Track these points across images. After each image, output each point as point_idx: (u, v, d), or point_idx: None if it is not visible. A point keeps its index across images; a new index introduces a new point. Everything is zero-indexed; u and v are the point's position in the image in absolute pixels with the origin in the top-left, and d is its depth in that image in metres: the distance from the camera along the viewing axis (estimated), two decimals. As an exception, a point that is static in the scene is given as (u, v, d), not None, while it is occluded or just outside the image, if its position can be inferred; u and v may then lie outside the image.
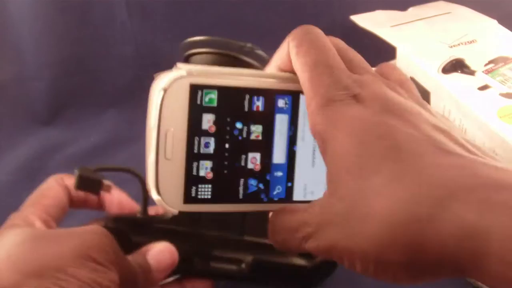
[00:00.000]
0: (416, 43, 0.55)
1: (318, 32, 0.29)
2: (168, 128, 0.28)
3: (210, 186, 0.29)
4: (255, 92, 0.30)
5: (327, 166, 0.25)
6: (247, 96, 0.29)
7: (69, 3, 0.68)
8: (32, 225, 0.32)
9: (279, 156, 0.30)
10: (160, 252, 0.32)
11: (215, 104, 0.29)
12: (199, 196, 0.29)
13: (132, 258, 0.32)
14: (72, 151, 0.64)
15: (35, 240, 0.28)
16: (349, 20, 0.63)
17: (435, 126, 0.25)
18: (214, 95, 0.29)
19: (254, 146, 0.30)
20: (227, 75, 0.29)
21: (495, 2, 0.67)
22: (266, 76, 0.30)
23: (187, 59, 0.41)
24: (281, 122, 0.30)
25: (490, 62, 0.51)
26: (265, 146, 0.30)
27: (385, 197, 0.22)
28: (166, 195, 0.28)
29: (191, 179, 0.29)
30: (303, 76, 0.27)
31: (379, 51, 0.62)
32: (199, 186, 0.29)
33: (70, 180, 0.36)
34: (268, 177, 0.30)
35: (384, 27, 0.59)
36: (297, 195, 0.31)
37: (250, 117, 0.30)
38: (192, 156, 0.29)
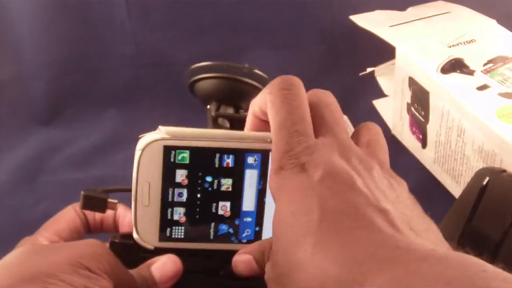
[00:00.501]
0: (415, 43, 0.55)
1: (295, 86, 0.31)
2: (145, 181, 0.34)
3: (183, 228, 0.34)
4: (225, 151, 0.34)
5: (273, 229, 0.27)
6: (217, 155, 0.34)
7: (68, 2, 0.68)
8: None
9: (248, 204, 0.35)
10: (164, 263, 0.34)
11: (187, 161, 0.34)
12: (173, 236, 0.34)
13: (136, 271, 0.33)
14: (72, 151, 0.65)
15: (32, 251, 0.30)
16: (349, 20, 0.63)
17: (371, 202, 0.25)
18: (186, 154, 0.34)
19: (225, 196, 0.35)
20: (200, 138, 0.34)
21: (494, 2, 0.67)
22: (238, 137, 0.34)
23: (192, 86, 0.44)
24: (250, 176, 0.35)
25: (489, 61, 0.51)
26: (235, 196, 0.35)
27: (305, 272, 0.24)
28: (143, 234, 0.34)
29: (166, 222, 0.34)
30: (272, 136, 0.29)
31: (378, 51, 0.62)
32: (173, 228, 0.34)
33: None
34: (237, 222, 0.35)
35: (383, 27, 0.59)
36: (265, 237, 0.35)
37: (221, 172, 0.34)
38: (167, 204, 0.34)
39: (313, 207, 0.25)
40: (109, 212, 0.38)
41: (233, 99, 0.39)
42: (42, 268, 0.27)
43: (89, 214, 0.38)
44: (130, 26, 0.69)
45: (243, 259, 0.32)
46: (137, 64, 0.71)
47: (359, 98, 0.68)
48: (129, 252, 0.34)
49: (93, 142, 0.66)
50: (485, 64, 0.51)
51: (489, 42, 0.54)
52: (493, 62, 0.51)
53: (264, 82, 0.47)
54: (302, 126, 0.29)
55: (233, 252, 0.34)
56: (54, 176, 0.60)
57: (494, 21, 0.58)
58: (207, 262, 0.36)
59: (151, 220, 0.34)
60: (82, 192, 0.36)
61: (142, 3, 0.68)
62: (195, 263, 0.35)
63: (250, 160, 0.35)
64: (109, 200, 0.36)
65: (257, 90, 0.38)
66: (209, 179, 0.35)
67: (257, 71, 0.45)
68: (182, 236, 0.35)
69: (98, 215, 0.38)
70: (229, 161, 0.35)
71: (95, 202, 0.36)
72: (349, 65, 0.70)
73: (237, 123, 0.39)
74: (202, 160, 0.34)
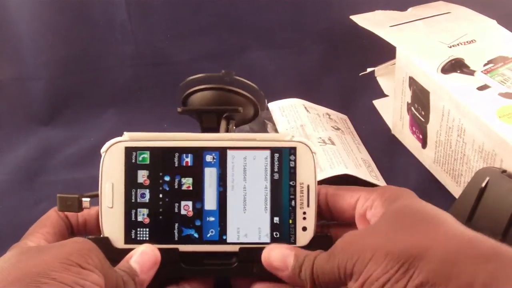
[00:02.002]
0: (416, 43, 0.55)
1: None
2: (108, 182, 0.35)
3: (147, 229, 0.35)
4: (183, 150, 0.36)
5: None
6: (177, 154, 0.35)
7: (68, 2, 0.68)
8: None
9: (210, 203, 0.36)
10: (141, 254, 0.34)
11: (148, 162, 0.35)
12: (138, 238, 0.35)
13: (118, 267, 0.33)
14: (72, 151, 0.64)
15: (21, 253, 0.30)
16: (349, 20, 0.63)
17: None
18: (146, 155, 0.36)
19: (186, 195, 0.36)
20: (159, 139, 0.36)
21: (494, 2, 0.67)
22: (195, 138, 0.36)
23: (184, 101, 0.46)
24: (210, 174, 0.36)
25: (489, 62, 0.51)
26: (196, 195, 0.36)
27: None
28: (110, 235, 0.35)
29: (130, 224, 0.35)
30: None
31: (378, 51, 0.62)
32: (138, 229, 0.35)
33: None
34: (200, 222, 0.36)
35: (384, 27, 0.59)
36: (230, 237, 0.36)
37: (180, 171, 0.36)
38: (130, 205, 0.35)
39: None
40: (93, 215, 0.38)
41: (211, 118, 0.41)
42: (33, 268, 0.28)
43: (72, 216, 0.38)
44: (130, 26, 0.69)
45: (283, 251, 0.34)
46: (137, 64, 0.71)
47: (359, 98, 0.68)
48: (107, 246, 0.35)
49: (93, 142, 0.66)
50: (485, 64, 0.51)
51: (489, 43, 0.54)
52: (494, 62, 0.51)
53: (245, 87, 0.50)
54: None
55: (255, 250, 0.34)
56: (54, 176, 0.60)
57: (494, 22, 0.58)
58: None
59: (115, 222, 0.35)
60: (57, 195, 0.37)
61: (142, 3, 0.68)
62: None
63: (209, 158, 0.36)
64: (83, 199, 0.36)
65: (241, 96, 0.39)
66: (170, 178, 0.36)
67: (237, 77, 0.47)
68: (147, 238, 0.35)
69: (81, 218, 0.38)
70: (188, 160, 0.36)
71: (69, 202, 0.36)
72: (349, 65, 0.70)
73: (206, 117, 0.40)
74: (162, 160, 0.36)
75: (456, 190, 0.52)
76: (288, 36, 0.71)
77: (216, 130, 0.40)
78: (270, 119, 0.60)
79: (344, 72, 0.71)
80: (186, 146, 0.36)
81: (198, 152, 0.36)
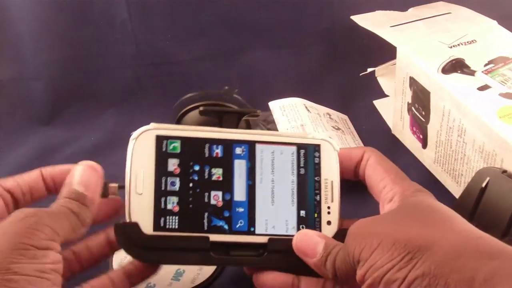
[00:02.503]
0: (416, 43, 0.55)
1: None
2: (138, 169, 0.35)
3: (177, 217, 0.35)
4: (213, 141, 0.36)
5: None
6: (207, 145, 0.36)
7: (68, 3, 0.68)
8: None
9: (239, 194, 0.36)
10: (82, 174, 0.33)
11: (178, 150, 0.35)
12: (167, 226, 0.34)
13: (63, 196, 0.32)
14: (72, 151, 0.64)
15: None
16: (349, 20, 0.63)
17: None
18: (177, 144, 0.35)
19: (216, 185, 0.36)
20: (189, 129, 0.36)
21: (494, 3, 0.67)
22: (226, 131, 0.37)
23: (179, 120, 0.47)
24: (239, 166, 0.36)
25: (490, 62, 0.51)
26: (226, 185, 0.36)
27: None
28: (139, 221, 0.34)
29: (159, 211, 0.34)
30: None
31: (379, 51, 0.62)
32: (167, 217, 0.35)
33: (7, 183, 0.35)
34: (230, 212, 0.36)
35: (384, 27, 0.59)
36: (259, 229, 0.36)
37: (211, 162, 0.36)
38: (160, 192, 0.35)
39: None
40: (34, 176, 0.35)
41: (231, 119, 0.41)
42: None
43: (16, 189, 0.34)
44: (131, 26, 0.69)
45: (315, 238, 0.34)
46: (137, 64, 0.71)
47: (359, 98, 0.68)
48: (134, 233, 0.34)
49: (93, 142, 0.66)
50: (486, 65, 0.51)
51: (490, 43, 0.54)
52: (494, 63, 0.51)
53: (241, 105, 0.51)
54: None
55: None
56: (54, 176, 0.60)
57: (495, 22, 0.58)
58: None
59: (145, 209, 0.34)
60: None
61: (142, 3, 0.68)
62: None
63: (238, 150, 0.36)
64: (110, 184, 0.36)
65: (237, 114, 0.41)
66: (200, 168, 0.36)
67: (236, 95, 0.48)
68: (177, 226, 0.35)
69: (25, 187, 0.35)
70: (218, 151, 0.36)
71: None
72: (349, 65, 0.70)
73: (226, 118, 0.40)
74: (193, 149, 0.36)
75: (456, 190, 0.52)
76: (288, 36, 0.71)
77: None
78: (267, 121, 0.60)
79: (345, 72, 0.71)
80: (216, 137, 0.36)
81: (228, 144, 0.36)
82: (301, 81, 0.71)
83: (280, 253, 0.36)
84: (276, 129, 0.58)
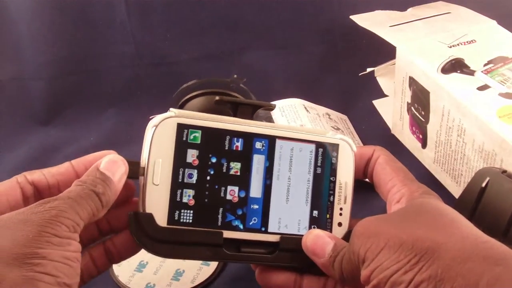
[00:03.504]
0: (416, 43, 0.55)
1: None
2: (156, 159, 0.33)
3: (191, 211, 0.34)
4: (234, 134, 0.35)
5: None
6: (228, 137, 0.35)
7: (68, 2, 0.68)
8: None
9: (255, 190, 0.35)
10: (110, 162, 0.33)
11: (198, 141, 0.34)
12: (181, 219, 0.33)
13: (88, 174, 0.32)
14: (72, 151, 0.64)
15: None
16: (349, 20, 0.63)
17: None
18: (198, 134, 0.34)
19: (233, 180, 0.35)
20: (211, 119, 0.35)
21: (494, 3, 0.67)
22: (244, 123, 0.36)
23: (182, 106, 0.46)
24: (258, 161, 0.36)
25: (489, 62, 0.51)
26: (243, 181, 0.35)
27: None
28: (154, 213, 0.33)
29: (175, 204, 0.33)
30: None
31: (378, 51, 0.62)
32: (182, 211, 0.34)
33: (33, 175, 0.34)
34: (245, 209, 0.35)
35: (384, 27, 0.59)
36: (272, 227, 0.36)
37: (230, 155, 0.35)
38: (177, 184, 0.34)
39: None
40: (65, 169, 0.35)
41: (246, 110, 0.40)
42: (18, 248, 0.26)
43: (39, 181, 0.34)
44: (130, 26, 0.69)
45: (324, 239, 0.34)
46: (137, 64, 0.71)
47: (359, 98, 0.68)
48: (148, 224, 0.33)
49: (93, 142, 0.66)
50: (485, 65, 0.51)
51: (489, 43, 0.54)
52: (494, 63, 0.51)
53: (246, 95, 0.50)
54: None
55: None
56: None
57: (494, 22, 0.58)
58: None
59: (160, 200, 0.33)
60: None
61: (142, 3, 0.68)
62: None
63: (258, 145, 0.36)
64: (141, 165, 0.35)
65: (253, 106, 0.39)
66: (219, 161, 0.35)
67: (242, 85, 0.47)
68: (191, 220, 0.34)
69: (52, 179, 0.34)
70: (238, 144, 0.35)
71: (130, 166, 0.34)
72: (349, 65, 0.70)
73: (241, 110, 0.39)
74: (213, 141, 0.35)
75: (456, 190, 0.52)
76: (288, 36, 0.71)
77: None
78: (270, 120, 0.60)
79: (344, 72, 0.71)
80: (238, 130, 0.35)
81: (249, 138, 0.35)
82: (300, 81, 0.71)
83: (290, 252, 0.36)
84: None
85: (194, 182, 0.34)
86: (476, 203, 0.40)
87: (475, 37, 0.55)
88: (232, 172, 0.35)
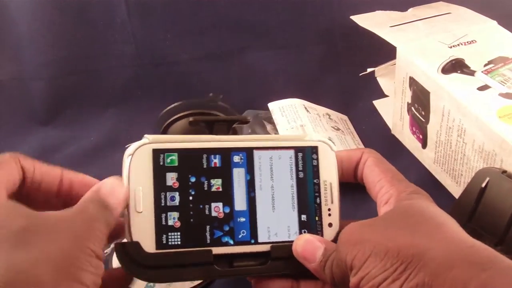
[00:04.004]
0: (416, 43, 0.55)
1: None
2: (136, 187, 0.33)
3: (178, 233, 0.34)
4: (211, 151, 0.35)
5: None
6: (205, 155, 0.35)
7: (68, 3, 0.68)
8: None
9: (240, 203, 0.35)
10: (111, 188, 0.32)
11: (176, 164, 0.34)
12: (169, 242, 0.34)
13: (87, 199, 0.31)
14: (72, 151, 0.64)
15: (31, 233, 0.27)
16: (349, 20, 0.63)
17: None
18: (174, 157, 0.35)
19: (216, 196, 0.35)
20: (186, 141, 0.35)
21: (494, 3, 0.67)
22: (219, 140, 0.36)
23: (165, 130, 0.46)
24: (238, 174, 0.36)
25: (489, 62, 0.51)
26: (226, 196, 0.35)
27: None
28: (140, 240, 0.33)
29: (161, 228, 0.34)
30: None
31: (379, 51, 0.62)
32: (169, 233, 0.34)
33: (26, 162, 0.34)
34: (232, 223, 0.35)
35: (384, 27, 0.59)
36: (261, 237, 0.36)
37: (209, 172, 0.35)
38: (160, 209, 0.34)
39: None
40: (54, 173, 0.34)
41: (222, 128, 0.40)
42: (60, 260, 0.26)
43: (28, 168, 0.33)
44: (130, 26, 0.69)
45: (314, 244, 0.34)
46: (137, 64, 0.71)
47: (359, 98, 0.68)
48: (136, 253, 0.33)
49: (93, 142, 0.66)
50: (485, 65, 0.51)
51: (489, 43, 0.54)
52: (494, 63, 0.51)
53: (226, 112, 0.51)
54: None
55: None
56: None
57: (494, 22, 0.58)
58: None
59: (146, 227, 0.33)
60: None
61: (142, 3, 0.68)
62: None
63: (236, 159, 0.36)
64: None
65: (227, 122, 0.39)
66: (199, 180, 0.35)
67: (220, 102, 0.48)
68: (179, 242, 0.34)
69: (38, 175, 0.34)
70: (216, 161, 0.35)
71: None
72: (349, 65, 0.70)
73: (217, 128, 0.39)
74: (191, 162, 0.35)
75: (456, 190, 0.52)
76: (288, 36, 0.71)
77: None
78: (270, 120, 0.60)
79: (344, 72, 0.71)
80: (213, 147, 0.36)
81: (226, 153, 0.36)
82: (300, 81, 0.71)
83: (283, 260, 0.35)
84: (276, 130, 0.59)
85: (177, 204, 0.34)
86: (476, 203, 0.40)
87: (476, 37, 0.55)
88: (214, 189, 0.35)
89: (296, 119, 0.59)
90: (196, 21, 0.70)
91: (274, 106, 0.61)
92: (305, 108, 0.62)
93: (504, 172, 0.41)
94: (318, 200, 0.37)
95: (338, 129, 0.61)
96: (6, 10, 0.68)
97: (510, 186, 0.39)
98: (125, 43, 0.70)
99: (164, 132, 0.53)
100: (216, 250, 0.34)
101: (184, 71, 0.71)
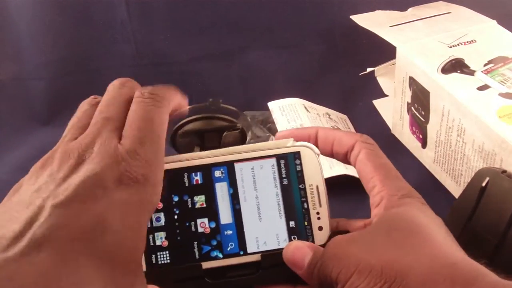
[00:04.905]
0: (416, 43, 0.55)
1: None
2: None
3: (167, 252, 0.35)
4: (191, 169, 0.36)
5: None
6: (186, 174, 0.36)
7: (68, 2, 0.68)
8: None
9: (225, 217, 0.36)
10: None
11: None
12: (159, 261, 0.35)
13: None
14: (72, 151, 0.64)
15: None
16: (349, 20, 0.63)
17: None
18: None
19: (200, 213, 0.36)
20: (167, 161, 0.35)
21: (494, 3, 0.67)
22: (198, 157, 0.37)
23: (174, 142, 0.46)
24: (221, 188, 0.36)
25: (489, 62, 0.51)
26: (211, 211, 0.36)
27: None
28: None
29: (149, 249, 0.34)
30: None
31: (378, 51, 0.62)
32: (158, 253, 0.35)
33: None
34: (219, 237, 0.36)
35: (384, 27, 0.59)
36: (250, 248, 0.36)
37: (192, 190, 0.36)
38: (147, 230, 0.33)
39: None
40: None
41: (212, 137, 0.40)
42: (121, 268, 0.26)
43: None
44: (131, 26, 0.69)
45: (303, 250, 0.34)
46: (137, 64, 0.71)
47: (359, 98, 0.68)
48: None
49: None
50: (485, 65, 0.51)
51: (489, 43, 0.54)
52: (494, 63, 0.51)
53: (232, 114, 0.51)
54: None
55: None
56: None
57: (494, 22, 0.58)
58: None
59: None
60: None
61: (142, 3, 0.69)
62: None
63: (218, 173, 0.36)
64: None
65: (218, 132, 0.40)
66: (182, 198, 0.36)
67: (223, 104, 0.48)
68: (168, 260, 0.35)
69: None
70: (197, 178, 0.36)
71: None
72: (349, 65, 0.70)
73: (207, 137, 0.39)
74: (172, 182, 0.36)
75: (456, 190, 0.52)
76: (288, 36, 0.71)
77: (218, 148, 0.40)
78: (267, 121, 0.61)
79: (344, 72, 0.71)
80: (193, 165, 0.36)
81: (207, 169, 0.36)
82: (301, 81, 0.71)
83: (275, 268, 0.35)
84: (276, 129, 0.59)
85: (163, 224, 0.35)
86: (476, 203, 0.40)
87: (475, 37, 0.55)
88: (198, 205, 0.36)
89: (296, 119, 0.59)
90: (196, 21, 0.70)
91: (274, 106, 0.61)
92: (305, 107, 0.62)
93: (504, 171, 0.41)
94: (305, 205, 0.37)
95: (338, 128, 0.61)
96: (6, 10, 0.68)
97: (510, 186, 0.39)
98: (125, 43, 0.70)
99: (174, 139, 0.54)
100: (206, 265, 0.35)
101: (184, 71, 0.71)
